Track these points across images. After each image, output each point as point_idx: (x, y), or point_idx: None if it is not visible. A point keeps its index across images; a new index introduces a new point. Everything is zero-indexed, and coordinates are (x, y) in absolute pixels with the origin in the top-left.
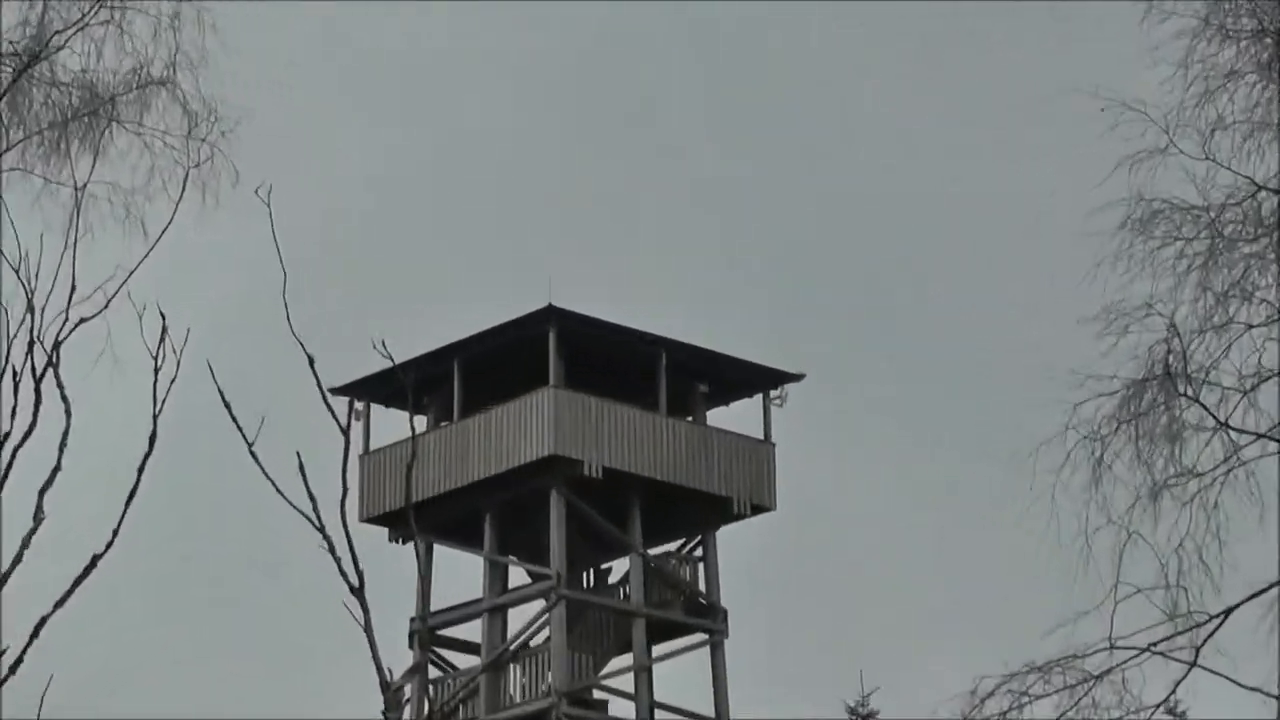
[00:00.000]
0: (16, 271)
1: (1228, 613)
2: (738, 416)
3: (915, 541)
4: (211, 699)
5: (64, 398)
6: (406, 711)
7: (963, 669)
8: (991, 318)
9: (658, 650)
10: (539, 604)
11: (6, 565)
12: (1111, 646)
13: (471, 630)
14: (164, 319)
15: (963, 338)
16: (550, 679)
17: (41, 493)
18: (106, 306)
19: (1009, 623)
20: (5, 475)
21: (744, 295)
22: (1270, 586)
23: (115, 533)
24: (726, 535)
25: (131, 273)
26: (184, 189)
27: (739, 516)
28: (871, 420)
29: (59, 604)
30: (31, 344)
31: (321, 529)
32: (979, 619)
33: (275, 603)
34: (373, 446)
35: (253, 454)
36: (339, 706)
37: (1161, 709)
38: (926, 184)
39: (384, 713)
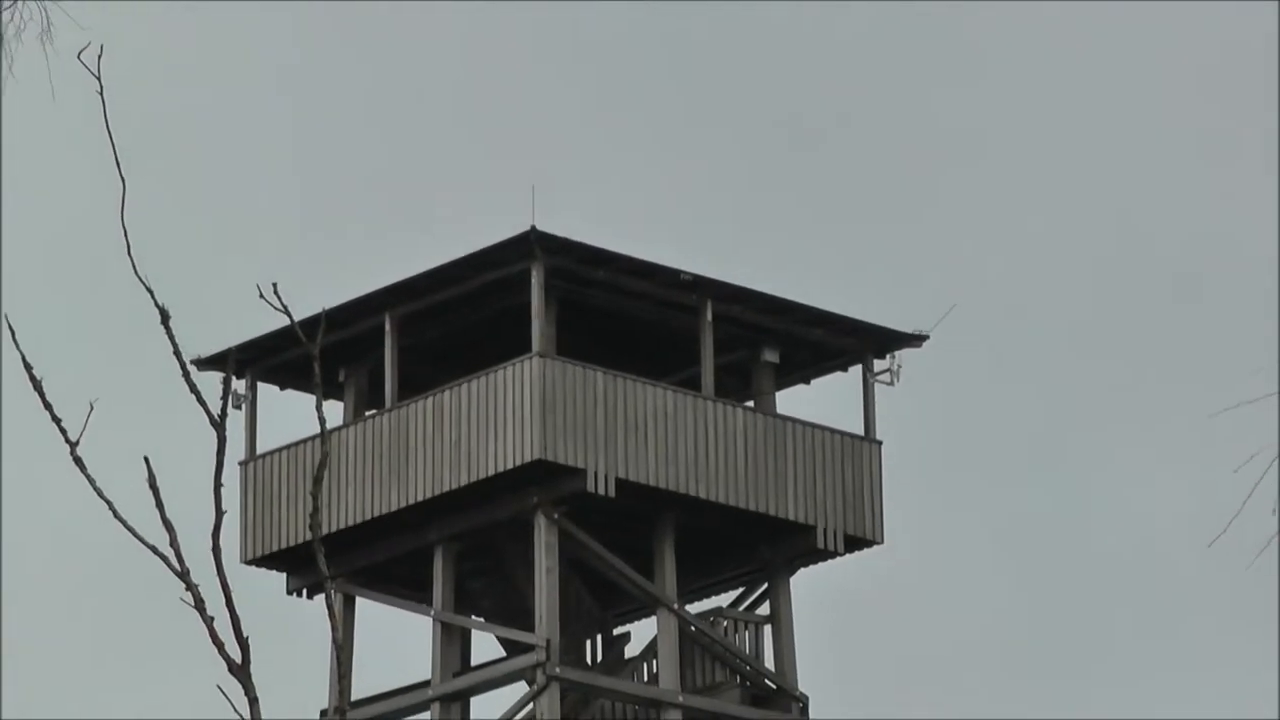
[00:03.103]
0: None
1: None
2: (824, 401)
3: (1088, 598)
4: None
5: None
6: None
7: None
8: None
9: None
10: (519, 689)
11: None
12: None
13: None
14: None
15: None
16: None
17: None
18: None
19: None
20: None
21: (830, 221)
22: None
23: None
24: (807, 584)
25: None
26: None
27: (826, 555)
28: (1028, 404)
29: None
30: None
31: (184, 575)
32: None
33: (111, 681)
34: (261, 448)
35: (76, 459)
36: None
37: None
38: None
39: None
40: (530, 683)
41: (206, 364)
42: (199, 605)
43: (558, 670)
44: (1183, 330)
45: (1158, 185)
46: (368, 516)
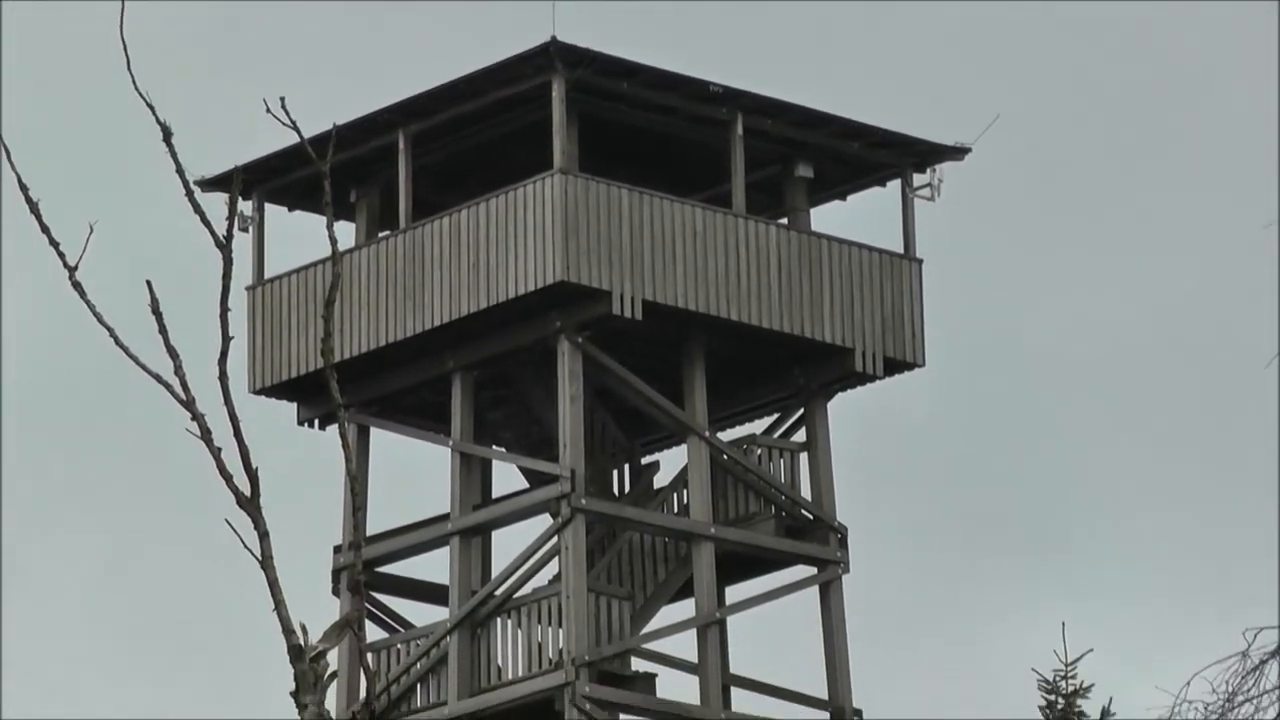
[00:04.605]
0: None
1: None
2: (861, 217)
3: (1133, 415)
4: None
5: None
6: (331, 693)
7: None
8: None
9: (734, 594)
10: (542, 522)
11: None
12: None
13: (434, 565)
14: None
15: None
16: (561, 641)
17: None
18: None
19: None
20: None
21: (866, 29)
22: None
23: None
24: (845, 409)
25: None
26: None
27: (864, 379)
28: (1073, 218)
29: None
30: None
31: (189, 404)
32: (1234, 557)
33: (124, 514)
34: (269, 273)
35: (75, 284)
36: (224, 687)
37: None
38: None
39: (295, 695)
40: (554, 515)
41: (211, 185)
42: (205, 436)
43: (583, 502)
44: (1231, 139)
45: None
46: (382, 343)
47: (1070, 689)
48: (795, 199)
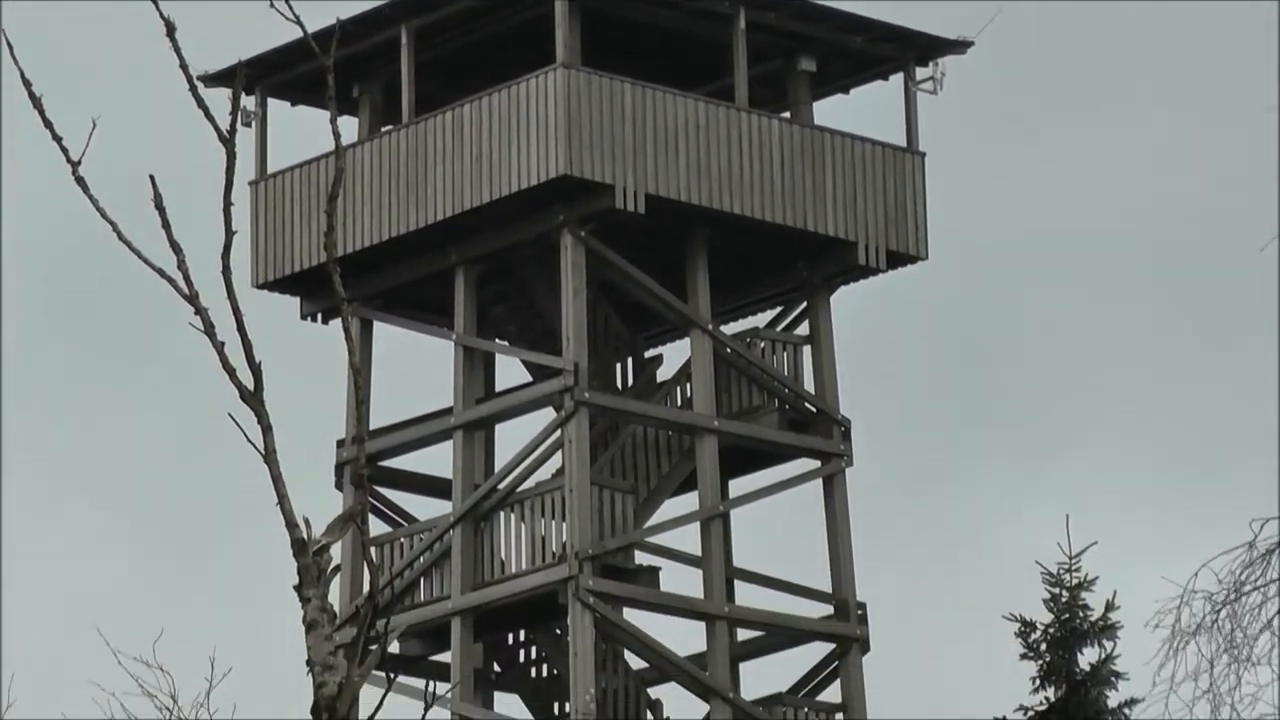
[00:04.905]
0: None
1: None
2: (864, 111)
3: (1136, 308)
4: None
5: None
6: (335, 587)
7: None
8: None
9: (737, 487)
10: (545, 415)
11: None
12: None
13: (436, 459)
14: None
15: None
16: (565, 534)
17: None
18: None
19: None
20: None
21: None
22: None
23: None
24: (848, 302)
25: None
26: None
27: (867, 272)
28: (1076, 109)
29: None
30: None
31: (193, 298)
32: (1237, 442)
33: (127, 406)
34: (272, 167)
35: (78, 179)
36: (227, 583)
37: None
38: None
39: (299, 589)
40: (557, 409)
41: (214, 80)
42: (209, 330)
43: (586, 395)
44: (1231, 25)
45: None
46: (385, 237)
47: (1074, 582)
48: (798, 92)
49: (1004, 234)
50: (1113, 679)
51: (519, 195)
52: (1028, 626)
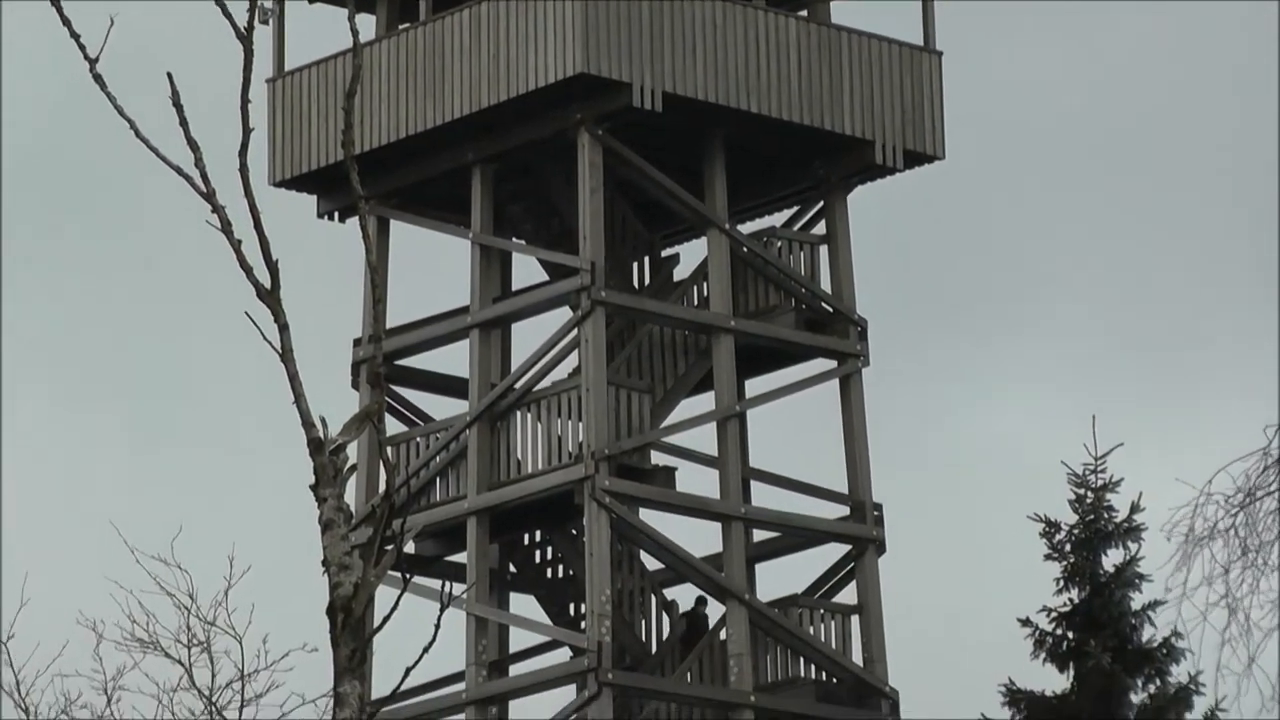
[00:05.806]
0: None
1: None
2: (881, 10)
3: (1163, 209)
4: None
5: None
6: (351, 486)
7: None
8: None
9: (754, 387)
10: (562, 314)
11: None
12: None
13: (453, 358)
14: None
15: None
16: (581, 434)
17: None
18: None
19: None
20: None
21: None
22: None
23: None
24: (865, 202)
25: None
26: None
27: (885, 171)
28: (1099, 12)
29: None
30: None
31: (210, 196)
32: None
33: (141, 307)
34: (289, 65)
35: (96, 76)
36: (242, 481)
37: None
38: None
39: (315, 489)
40: (574, 307)
41: None
42: (226, 228)
43: (603, 294)
44: None
45: None
46: (402, 135)
47: (1100, 483)
48: None
49: (1021, 133)
50: (1136, 580)
51: (536, 93)
52: (1052, 527)
